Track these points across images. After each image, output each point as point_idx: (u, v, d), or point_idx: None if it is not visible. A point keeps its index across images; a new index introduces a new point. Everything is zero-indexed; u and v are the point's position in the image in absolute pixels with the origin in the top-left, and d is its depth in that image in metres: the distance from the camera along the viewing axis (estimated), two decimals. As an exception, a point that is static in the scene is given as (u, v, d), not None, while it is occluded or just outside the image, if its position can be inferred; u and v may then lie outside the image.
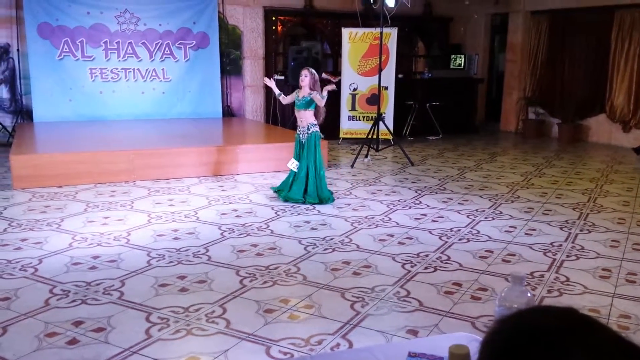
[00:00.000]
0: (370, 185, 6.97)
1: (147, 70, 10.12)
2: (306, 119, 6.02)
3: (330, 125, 9.97)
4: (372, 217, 5.51)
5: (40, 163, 6.64)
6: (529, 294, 1.56)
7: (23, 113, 9.48)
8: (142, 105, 10.14)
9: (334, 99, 10.11)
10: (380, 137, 8.84)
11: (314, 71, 6.04)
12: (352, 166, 8.09)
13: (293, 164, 6.03)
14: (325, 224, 5.28)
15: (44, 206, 5.75)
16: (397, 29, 9.74)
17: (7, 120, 9.40)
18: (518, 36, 11.97)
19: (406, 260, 4.33)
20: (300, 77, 5.99)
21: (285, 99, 6.17)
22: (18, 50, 9.30)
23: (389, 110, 9.87)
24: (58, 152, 7.02)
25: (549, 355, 0.80)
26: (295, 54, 9.99)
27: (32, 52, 9.27)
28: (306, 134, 6.03)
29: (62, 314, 3.33)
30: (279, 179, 6.83)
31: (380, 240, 4.82)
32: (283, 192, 6.11)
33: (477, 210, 5.83)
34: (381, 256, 4.42)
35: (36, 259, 4.24)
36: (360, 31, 9.91)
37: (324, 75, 10.63)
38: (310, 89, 5.94)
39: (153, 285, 3.79)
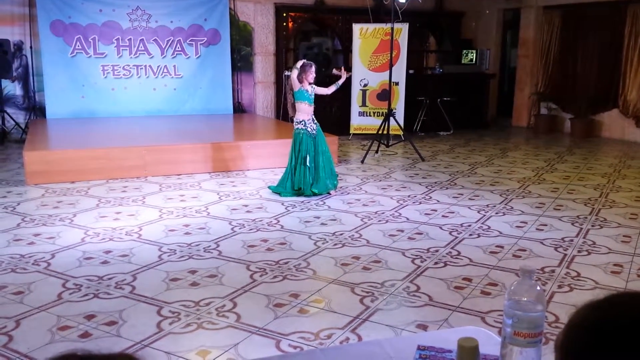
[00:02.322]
0: (380, 180, 6.96)
1: (158, 66, 10.17)
2: (312, 111, 6.10)
3: (340, 121, 10.01)
4: (382, 213, 5.51)
5: (53, 159, 6.70)
6: (538, 288, 1.55)
7: (36, 110, 9.56)
8: (154, 101, 10.19)
9: (344, 94, 10.13)
10: (390, 132, 8.83)
11: None
12: (362, 162, 8.08)
13: (308, 160, 6.04)
14: (335, 219, 5.29)
15: (56, 201, 5.80)
16: (408, 24, 9.70)
17: (21, 117, 9.48)
18: (530, 31, 11.89)
19: (416, 256, 4.32)
20: (313, 74, 6.02)
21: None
22: (31, 47, 9.38)
23: (399, 105, 9.85)
24: (71, 148, 7.09)
25: None
26: (306, 50, 9.98)
27: (45, 50, 9.35)
28: (315, 125, 6.09)
29: (74, 308, 3.36)
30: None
31: (390, 235, 4.82)
32: (286, 191, 6.13)
33: (487, 205, 5.81)
34: (391, 251, 4.42)
35: (49, 254, 4.28)
36: (371, 27, 9.89)
37: (334, 71, 10.62)
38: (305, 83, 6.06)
39: (164, 279, 3.82)
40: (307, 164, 6.03)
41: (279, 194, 6.13)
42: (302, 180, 6.02)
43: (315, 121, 6.14)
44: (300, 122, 6.07)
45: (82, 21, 9.58)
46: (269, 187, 6.36)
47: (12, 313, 3.28)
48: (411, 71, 10.75)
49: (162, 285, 3.72)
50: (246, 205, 5.73)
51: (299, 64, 6.07)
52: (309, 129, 6.06)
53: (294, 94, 6.10)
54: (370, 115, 10.06)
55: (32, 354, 2.85)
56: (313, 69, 6.05)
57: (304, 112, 6.07)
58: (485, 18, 12.65)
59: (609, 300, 0.90)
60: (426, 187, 6.62)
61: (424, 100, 10.84)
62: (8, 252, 4.32)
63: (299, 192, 6.06)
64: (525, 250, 4.47)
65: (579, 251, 4.46)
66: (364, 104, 10.08)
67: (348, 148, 9.28)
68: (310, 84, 6.06)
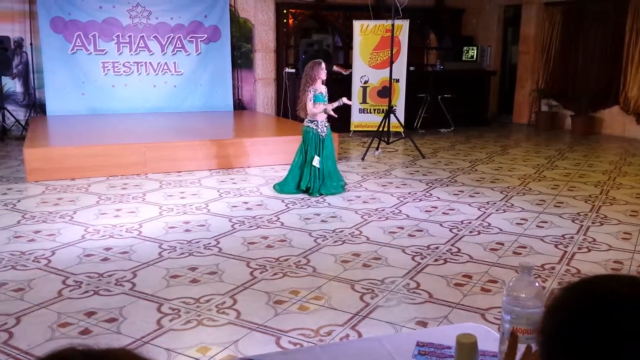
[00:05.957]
0: (380, 177, 6.96)
1: (158, 63, 10.17)
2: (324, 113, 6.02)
3: (341, 118, 9.98)
4: (383, 210, 5.51)
5: (53, 156, 6.70)
6: (537, 284, 1.55)
7: (36, 107, 9.56)
8: (154, 98, 10.19)
9: (345, 91, 10.11)
10: (391, 129, 8.82)
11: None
12: (362, 159, 8.08)
13: (317, 161, 5.96)
14: (335, 217, 5.29)
15: (57, 198, 5.81)
16: (408, 21, 9.67)
17: (21, 114, 9.49)
18: (531, 28, 11.87)
19: (416, 253, 4.32)
20: (325, 71, 5.92)
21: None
22: (31, 44, 9.38)
23: (400, 102, 9.83)
24: (71, 145, 7.09)
25: (630, 322, 0.80)
26: (307, 47, 9.98)
27: (45, 46, 9.35)
28: (325, 128, 6.03)
29: (74, 305, 3.36)
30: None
31: (390, 232, 4.82)
32: (286, 188, 6.09)
33: (488, 202, 5.81)
34: (391, 248, 4.42)
35: (49, 251, 4.29)
36: (371, 23, 9.87)
37: (335, 67, 10.63)
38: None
39: (164, 276, 3.82)
40: (317, 164, 5.96)
41: (282, 190, 6.10)
42: (312, 181, 5.98)
43: (327, 124, 6.06)
44: (313, 121, 5.97)
45: (82, 18, 9.58)
46: (274, 187, 6.29)
47: (13, 310, 3.29)
48: (412, 68, 10.74)
49: (162, 282, 3.72)
50: (246, 203, 5.73)
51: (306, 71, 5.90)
52: (320, 130, 5.98)
53: (314, 97, 5.91)
54: (370, 112, 10.05)
55: (32, 350, 2.85)
56: (323, 65, 5.93)
57: (321, 113, 5.98)
58: (486, 15, 12.63)
59: (583, 280, 0.91)
60: (426, 184, 6.61)
61: (425, 97, 10.83)
62: (8, 249, 4.33)
63: (305, 192, 6.02)
64: (525, 248, 4.47)
65: (579, 248, 4.46)
66: (364, 101, 10.07)
67: (348, 145, 9.27)
68: (323, 82, 5.95)
